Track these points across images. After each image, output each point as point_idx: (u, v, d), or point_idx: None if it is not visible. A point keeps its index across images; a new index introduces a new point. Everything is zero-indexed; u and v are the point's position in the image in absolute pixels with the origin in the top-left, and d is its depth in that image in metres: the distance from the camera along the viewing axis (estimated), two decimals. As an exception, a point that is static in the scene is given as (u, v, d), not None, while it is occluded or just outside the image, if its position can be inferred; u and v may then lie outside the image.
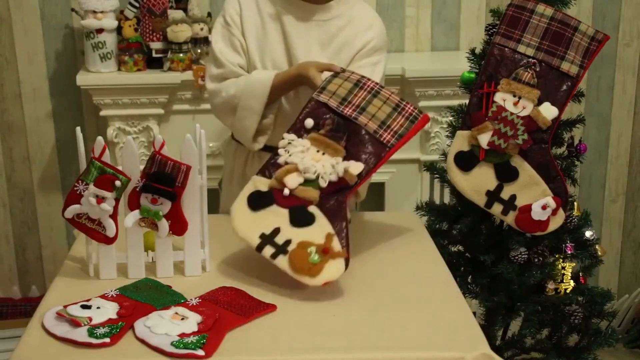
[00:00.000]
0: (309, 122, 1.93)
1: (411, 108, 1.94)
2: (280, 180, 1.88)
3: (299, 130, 1.94)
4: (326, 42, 2.19)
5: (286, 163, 1.89)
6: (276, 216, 1.85)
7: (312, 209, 1.86)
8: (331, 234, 1.81)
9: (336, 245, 1.79)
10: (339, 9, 2.21)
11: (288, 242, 1.80)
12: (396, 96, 1.97)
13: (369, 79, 1.99)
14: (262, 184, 1.90)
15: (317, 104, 1.95)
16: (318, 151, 1.90)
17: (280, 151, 1.91)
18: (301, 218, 1.84)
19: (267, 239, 1.81)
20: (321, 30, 2.19)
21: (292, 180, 1.88)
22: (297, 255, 1.77)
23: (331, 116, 1.93)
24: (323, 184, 1.88)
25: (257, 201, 1.87)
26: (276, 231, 1.82)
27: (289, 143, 1.91)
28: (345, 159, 1.90)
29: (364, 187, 2.20)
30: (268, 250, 1.79)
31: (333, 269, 1.75)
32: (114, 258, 1.85)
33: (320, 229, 1.82)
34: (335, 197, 1.88)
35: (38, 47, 3.17)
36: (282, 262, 1.77)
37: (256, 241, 1.81)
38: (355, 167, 1.89)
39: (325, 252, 1.77)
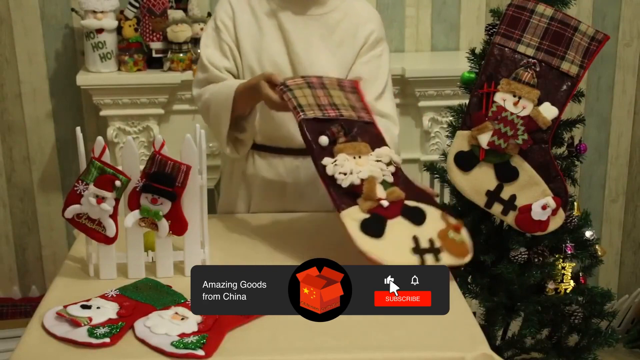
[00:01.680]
0: (324, 140, 1.89)
1: (347, 81, 2.02)
2: (373, 197, 1.84)
3: (320, 153, 1.89)
4: (326, 35, 2.19)
5: (360, 181, 1.84)
6: (401, 228, 1.83)
7: (410, 202, 1.88)
8: (443, 213, 1.90)
9: (451, 218, 1.90)
10: (334, 2, 2.21)
11: (431, 241, 1.83)
12: (332, 77, 2.02)
13: (309, 77, 1.99)
14: (357, 212, 1.83)
15: (309, 122, 1.91)
16: (355, 157, 1.89)
17: (338, 177, 1.85)
18: (417, 216, 1.86)
19: (417, 250, 1.80)
20: (319, 23, 2.19)
21: (381, 191, 1.86)
22: (451, 246, 1.83)
23: (333, 125, 1.91)
24: (390, 179, 1.89)
25: (374, 228, 1.81)
26: (416, 239, 1.82)
27: (335, 165, 1.86)
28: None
29: None
30: (427, 258, 1.79)
31: (467, 236, 1.90)
32: (114, 258, 1.85)
33: (434, 215, 1.88)
34: (405, 183, 1.93)
35: (38, 47, 3.17)
36: (445, 259, 1.80)
37: (412, 258, 1.79)
38: (391, 150, 1.94)
39: (457, 229, 1.88)
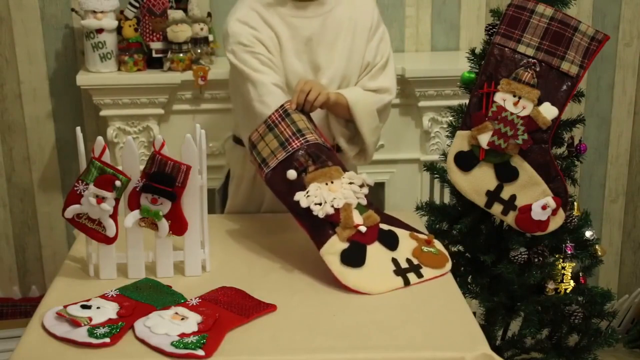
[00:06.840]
0: (292, 174, 1.89)
1: (288, 103, 2.03)
2: (351, 224, 1.85)
3: (293, 188, 1.88)
4: (339, 29, 2.23)
5: (335, 209, 1.84)
6: (379, 254, 1.87)
7: (384, 226, 1.92)
8: (412, 233, 1.97)
9: (420, 235, 1.98)
10: None
11: (409, 260, 1.88)
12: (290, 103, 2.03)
13: (269, 116, 1.99)
14: (336, 243, 1.84)
15: (275, 175, 1.92)
16: (327, 184, 1.89)
17: (313, 208, 1.84)
18: (391, 240, 1.91)
19: (399, 271, 1.85)
20: (330, 20, 2.22)
21: (357, 217, 1.87)
22: (428, 260, 1.89)
23: (299, 155, 1.91)
24: (364, 201, 1.91)
25: (354, 257, 1.83)
26: (396, 261, 1.87)
27: (307, 197, 1.85)
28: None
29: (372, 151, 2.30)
30: (410, 277, 1.85)
31: (441, 246, 1.99)
32: (114, 258, 1.85)
33: (404, 236, 1.94)
34: (375, 205, 1.97)
35: (38, 47, 3.17)
36: (427, 273, 1.87)
37: (396, 280, 1.83)
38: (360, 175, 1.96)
39: (429, 243, 1.97)
